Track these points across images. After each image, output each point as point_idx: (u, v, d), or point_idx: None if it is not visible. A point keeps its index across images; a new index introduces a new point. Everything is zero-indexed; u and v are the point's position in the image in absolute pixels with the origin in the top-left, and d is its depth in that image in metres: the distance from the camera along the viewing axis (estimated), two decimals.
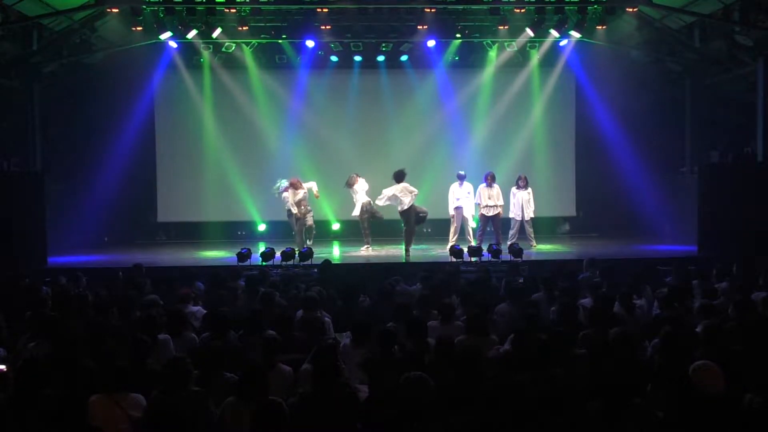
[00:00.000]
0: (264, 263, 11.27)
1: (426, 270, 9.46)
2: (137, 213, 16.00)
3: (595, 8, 13.54)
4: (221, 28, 13.96)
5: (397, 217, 12.86)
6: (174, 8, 13.17)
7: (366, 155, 15.71)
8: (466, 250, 11.83)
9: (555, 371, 4.93)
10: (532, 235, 13.80)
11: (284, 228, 14.52)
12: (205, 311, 7.28)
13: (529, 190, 13.85)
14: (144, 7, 13.01)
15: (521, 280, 8.89)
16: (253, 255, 11.34)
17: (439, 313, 6.88)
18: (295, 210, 13.20)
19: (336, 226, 15.79)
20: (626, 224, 15.54)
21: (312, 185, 13.51)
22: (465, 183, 13.55)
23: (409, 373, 4.37)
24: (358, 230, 13.67)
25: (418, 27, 14.01)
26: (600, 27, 14.06)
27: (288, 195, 13.30)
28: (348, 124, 16.04)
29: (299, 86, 15.90)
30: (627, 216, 15.37)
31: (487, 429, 4.17)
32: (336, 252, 13.86)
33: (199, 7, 13.09)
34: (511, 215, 13.88)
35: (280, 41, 14.87)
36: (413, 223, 12.67)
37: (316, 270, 10.53)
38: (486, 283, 8.79)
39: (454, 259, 11.52)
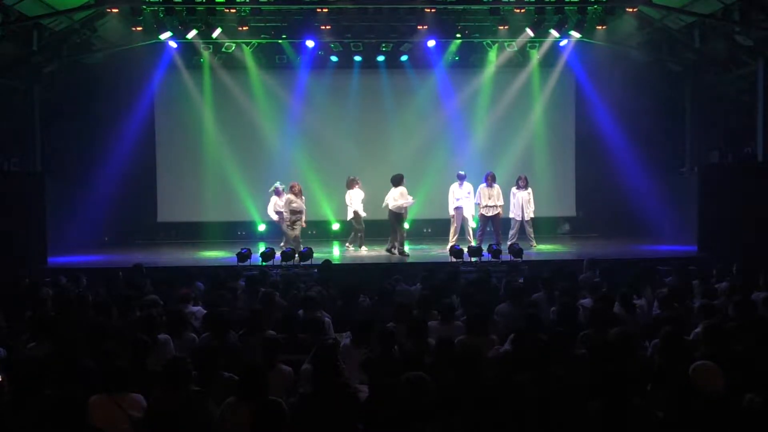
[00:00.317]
0: (264, 263, 11.28)
1: (426, 270, 9.50)
2: (137, 213, 15.99)
3: (595, 8, 13.57)
4: (221, 28, 13.97)
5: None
6: (174, 8, 13.19)
7: (366, 155, 15.74)
8: (466, 250, 11.82)
9: (555, 371, 4.92)
10: (532, 236, 13.79)
11: None
12: (205, 311, 7.26)
13: (529, 190, 13.85)
14: (144, 7, 13.05)
15: (521, 281, 8.88)
16: (253, 255, 11.35)
17: (439, 313, 6.88)
18: (286, 215, 12.75)
19: (336, 226, 15.79)
20: (626, 224, 15.54)
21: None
22: (465, 183, 13.53)
23: (409, 373, 4.36)
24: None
25: (418, 27, 14.02)
26: (600, 27, 14.08)
27: (276, 199, 13.28)
28: (348, 125, 16.05)
29: (299, 86, 15.91)
30: (627, 216, 15.36)
31: (487, 429, 4.16)
32: (336, 252, 13.87)
33: (199, 7, 13.10)
34: (511, 215, 13.87)
35: (280, 41, 14.89)
36: (399, 225, 12.68)
37: (316, 270, 10.54)
38: (486, 284, 8.77)
39: (454, 259, 11.53)
